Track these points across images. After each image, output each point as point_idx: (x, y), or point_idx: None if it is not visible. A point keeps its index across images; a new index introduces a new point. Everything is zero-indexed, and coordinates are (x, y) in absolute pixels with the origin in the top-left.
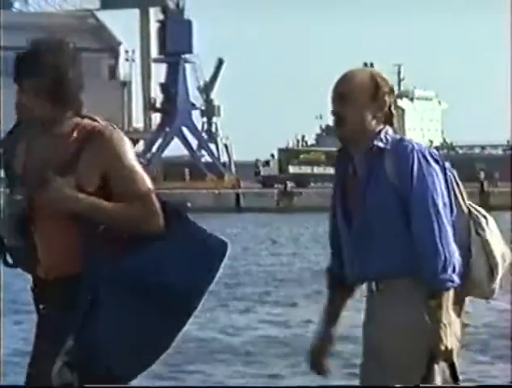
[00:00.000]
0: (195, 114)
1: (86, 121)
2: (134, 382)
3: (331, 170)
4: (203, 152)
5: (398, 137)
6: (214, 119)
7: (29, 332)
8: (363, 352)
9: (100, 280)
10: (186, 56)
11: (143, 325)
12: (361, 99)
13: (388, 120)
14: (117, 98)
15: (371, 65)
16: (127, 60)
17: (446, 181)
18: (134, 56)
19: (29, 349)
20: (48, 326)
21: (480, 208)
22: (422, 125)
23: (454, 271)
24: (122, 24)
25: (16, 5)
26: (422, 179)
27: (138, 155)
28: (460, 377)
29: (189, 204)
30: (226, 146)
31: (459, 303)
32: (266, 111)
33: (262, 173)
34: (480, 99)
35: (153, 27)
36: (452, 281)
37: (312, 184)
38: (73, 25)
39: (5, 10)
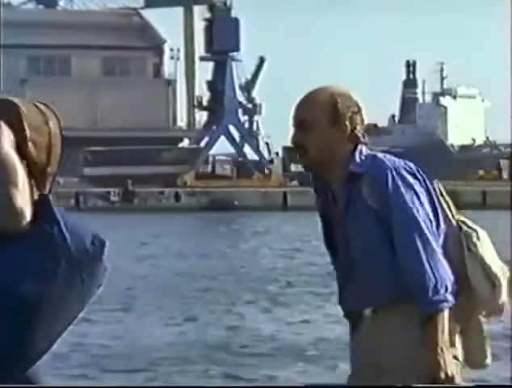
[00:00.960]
0: None
1: None
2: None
3: None
4: (250, 150)
5: (371, 154)
6: (255, 117)
7: None
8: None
9: None
10: (233, 54)
11: None
12: (320, 125)
13: (356, 140)
14: (162, 96)
15: (414, 62)
16: (171, 58)
17: (427, 193)
18: (179, 54)
19: None
20: None
21: (469, 222)
22: (465, 123)
23: (447, 290)
24: (167, 22)
25: (61, 3)
26: (400, 198)
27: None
28: None
29: (236, 203)
30: (267, 145)
31: (465, 321)
32: None
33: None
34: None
35: (201, 25)
36: (447, 301)
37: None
38: (118, 23)
39: (50, 8)
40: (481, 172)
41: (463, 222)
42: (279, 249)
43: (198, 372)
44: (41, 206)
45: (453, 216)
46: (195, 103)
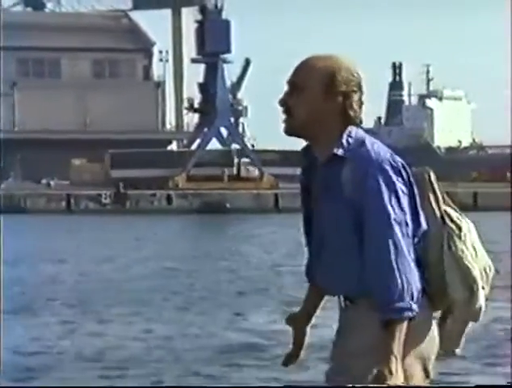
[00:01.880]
0: None
1: None
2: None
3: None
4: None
5: (360, 140)
6: (241, 119)
7: None
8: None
9: None
10: (225, 56)
11: None
12: (312, 93)
13: (347, 119)
14: (151, 98)
15: (400, 65)
16: (161, 60)
17: (410, 193)
18: (168, 56)
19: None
20: None
21: (455, 216)
22: (451, 125)
23: (412, 298)
24: (156, 25)
25: (49, 5)
26: (378, 193)
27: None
28: None
29: (227, 205)
30: (253, 147)
31: (439, 326)
32: None
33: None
34: (510, 99)
35: (192, 27)
36: (411, 310)
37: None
38: (107, 26)
39: (38, 10)
40: (474, 174)
41: (449, 216)
42: (268, 251)
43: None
44: None
45: (439, 208)
46: (187, 105)
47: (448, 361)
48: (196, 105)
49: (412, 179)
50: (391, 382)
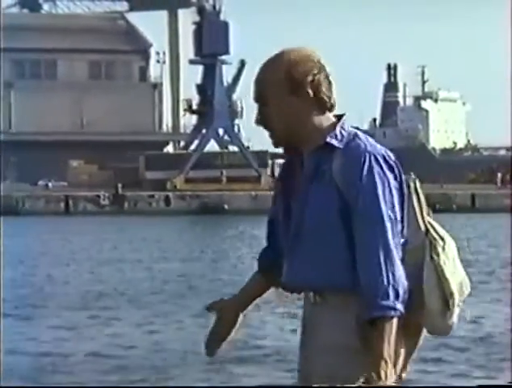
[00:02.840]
0: None
1: None
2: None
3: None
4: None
5: (353, 132)
6: (236, 121)
7: None
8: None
9: None
10: (223, 57)
11: None
12: (278, 98)
13: (323, 104)
14: (148, 99)
15: (395, 66)
16: (158, 62)
17: (400, 192)
18: (165, 57)
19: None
20: None
21: (439, 228)
22: (447, 127)
23: (397, 297)
24: (153, 26)
25: (45, 7)
26: (370, 187)
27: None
28: None
29: (226, 206)
30: (248, 148)
31: (413, 335)
32: None
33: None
34: (505, 101)
35: (189, 28)
36: (395, 309)
37: None
38: (104, 27)
39: (34, 12)
40: (472, 175)
41: (432, 227)
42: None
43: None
44: None
45: (423, 218)
46: (185, 106)
47: (448, 361)
48: (194, 106)
49: (403, 178)
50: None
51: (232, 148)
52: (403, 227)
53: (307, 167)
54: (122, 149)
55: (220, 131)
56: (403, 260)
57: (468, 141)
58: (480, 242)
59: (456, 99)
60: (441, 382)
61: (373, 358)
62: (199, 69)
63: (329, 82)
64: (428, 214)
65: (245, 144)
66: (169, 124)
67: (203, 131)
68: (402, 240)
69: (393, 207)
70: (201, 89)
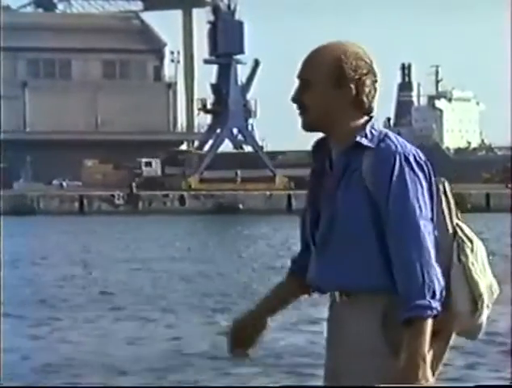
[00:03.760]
0: None
1: None
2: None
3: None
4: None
5: (384, 132)
6: (250, 120)
7: None
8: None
9: None
10: (238, 57)
11: None
12: (321, 86)
13: (362, 106)
14: (162, 99)
15: (409, 65)
16: (172, 61)
17: (430, 191)
18: (179, 57)
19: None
20: None
21: (468, 230)
22: (461, 126)
23: (434, 296)
24: (167, 25)
25: (60, 6)
26: (402, 187)
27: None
28: None
29: (240, 206)
30: (262, 148)
31: (443, 336)
32: None
33: (144, 174)
34: None
35: (203, 28)
36: (431, 308)
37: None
38: (118, 26)
39: (48, 11)
40: (486, 175)
41: (460, 228)
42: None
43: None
44: None
45: (451, 220)
46: (200, 105)
47: (448, 362)
48: (209, 106)
49: (433, 178)
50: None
51: (247, 147)
52: (434, 227)
53: (336, 167)
54: (136, 149)
55: (235, 130)
56: (436, 259)
57: (482, 140)
58: (496, 241)
59: (470, 98)
60: (440, 382)
61: (408, 358)
62: (214, 68)
63: (375, 88)
64: (457, 216)
65: (260, 143)
66: (184, 124)
67: (218, 131)
68: (434, 239)
69: (425, 206)
70: (215, 88)
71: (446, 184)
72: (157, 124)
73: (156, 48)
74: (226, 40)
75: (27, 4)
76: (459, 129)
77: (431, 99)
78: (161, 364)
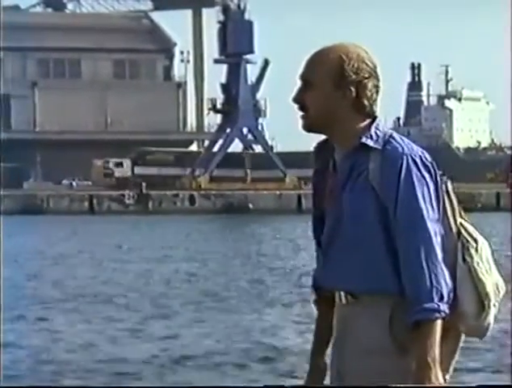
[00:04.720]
0: None
1: None
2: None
3: (179, 171)
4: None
5: (389, 133)
6: (260, 120)
7: None
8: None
9: None
10: (247, 56)
11: None
12: (322, 87)
13: (362, 109)
14: (172, 99)
15: (419, 65)
16: (182, 61)
17: (437, 192)
18: (189, 57)
19: None
20: None
21: (472, 229)
22: (470, 126)
23: (441, 299)
24: (177, 25)
25: (69, 6)
26: (410, 189)
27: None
28: None
29: (251, 206)
30: (272, 148)
31: (453, 337)
32: None
33: (115, 174)
34: None
35: (213, 27)
36: (439, 311)
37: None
38: (128, 26)
39: (58, 11)
40: (490, 175)
41: (464, 228)
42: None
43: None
44: None
45: (455, 220)
46: (210, 105)
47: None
48: (219, 106)
49: (438, 179)
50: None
51: (257, 147)
52: (441, 228)
53: (341, 169)
54: (147, 148)
55: (245, 130)
56: (443, 260)
57: (492, 140)
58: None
59: (480, 97)
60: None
61: (419, 361)
62: (224, 68)
63: (377, 92)
64: (461, 215)
65: (269, 143)
66: (194, 124)
67: (228, 130)
68: (441, 240)
69: (432, 207)
70: (225, 88)
71: (449, 184)
72: (166, 124)
73: (166, 47)
74: (236, 39)
75: (37, 4)
76: (469, 129)
77: (441, 98)
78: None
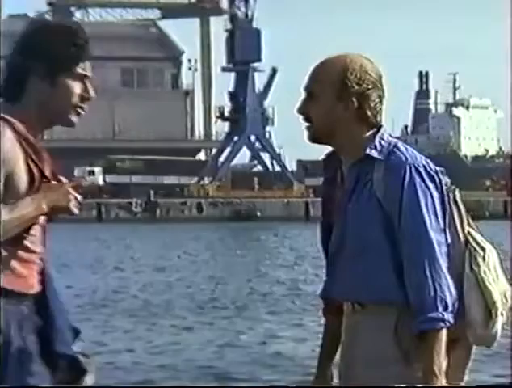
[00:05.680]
0: None
1: None
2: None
3: (150, 180)
4: (268, 160)
5: (393, 143)
6: (268, 128)
7: None
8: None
9: None
10: (255, 64)
11: None
12: (325, 97)
13: (365, 119)
14: (179, 107)
15: (427, 73)
16: (190, 69)
17: (442, 201)
18: (197, 65)
19: None
20: None
21: (479, 238)
22: (478, 134)
23: (446, 308)
24: (184, 33)
25: (77, 14)
26: (413, 199)
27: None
28: None
29: (258, 214)
30: (279, 155)
31: (464, 346)
32: None
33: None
34: None
35: (221, 36)
36: (443, 321)
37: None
38: (136, 34)
39: (66, 19)
40: (488, 183)
41: (472, 237)
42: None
43: None
44: None
45: (463, 229)
46: (217, 113)
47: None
48: (226, 113)
49: (444, 187)
50: None
51: (264, 155)
52: (446, 237)
53: (347, 180)
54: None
55: (252, 138)
56: (448, 269)
57: (500, 148)
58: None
59: (488, 105)
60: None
61: (425, 370)
62: (231, 76)
63: (381, 102)
64: (469, 224)
65: (277, 151)
66: (202, 132)
67: (235, 138)
68: (446, 249)
69: (436, 217)
70: (233, 96)
71: (457, 192)
72: (174, 132)
73: (173, 55)
74: (243, 47)
75: (45, 12)
76: (477, 137)
77: (449, 106)
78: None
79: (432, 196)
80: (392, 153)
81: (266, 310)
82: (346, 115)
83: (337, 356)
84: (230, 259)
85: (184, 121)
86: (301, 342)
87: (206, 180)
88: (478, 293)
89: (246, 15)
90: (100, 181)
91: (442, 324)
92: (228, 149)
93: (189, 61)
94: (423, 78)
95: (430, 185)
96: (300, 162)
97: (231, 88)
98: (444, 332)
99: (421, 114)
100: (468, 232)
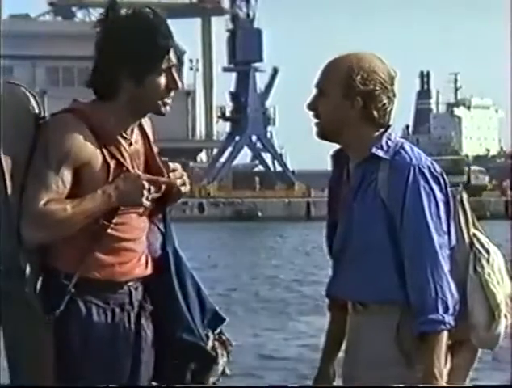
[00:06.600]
0: None
1: None
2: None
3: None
4: (270, 160)
5: (400, 143)
6: (269, 128)
7: None
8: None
9: None
10: (256, 64)
11: None
12: (333, 95)
13: (370, 119)
14: (181, 107)
15: (428, 73)
16: (191, 69)
17: (446, 203)
18: (198, 65)
19: None
20: None
21: (484, 240)
22: (479, 134)
23: (446, 311)
24: (185, 33)
25: (79, 14)
26: (416, 200)
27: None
28: None
29: (259, 213)
30: (281, 155)
31: (468, 349)
32: None
33: None
34: None
35: (222, 36)
36: (444, 323)
37: None
38: None
39: (67, 19)
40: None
41: (477, 239)
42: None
43: None
44: None
45: (468, 230)
46: (219, 113)
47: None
48: (228, 114)
49: (448, 189)
50: None
51: (266, 155)
52: (450, 239)
53: (353, 179)
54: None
55: (254, 138)
56: (451, 272)
57: (501, 147)
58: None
59: (489, 105)
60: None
61: (425, 372)
62: (233, 76)
63: (389, 102)
64: (474, 226)
65: (278, 151)
66: (203, 132)
67: (237, 138)
68: (449, 252)
69: (439, 219)
70: (234, 96)
71: (464, 194)
72: (175, 132)
73: None
74: (245, 47)
75: (46, 12)
76: (478, 137)
77: (450, 106)
78: None
79: (435, 198)
80: (397, 153)
81: (266, 310)
82: (353, 113)
83: (341, 353)
84: (231, 259)
85: (185, 121)
86: (301, 342)
87: (206, 180)
88: (481, 295)
89: (248, 15)
90: None
91: (442, 326)
92: (229, 149)
93: (190, 61)
94: (424, 77)
95: (434, 187)
96: None
97: (232, 88)
98: (445, 334)
99: (422, 114)
100: (474, 234)
